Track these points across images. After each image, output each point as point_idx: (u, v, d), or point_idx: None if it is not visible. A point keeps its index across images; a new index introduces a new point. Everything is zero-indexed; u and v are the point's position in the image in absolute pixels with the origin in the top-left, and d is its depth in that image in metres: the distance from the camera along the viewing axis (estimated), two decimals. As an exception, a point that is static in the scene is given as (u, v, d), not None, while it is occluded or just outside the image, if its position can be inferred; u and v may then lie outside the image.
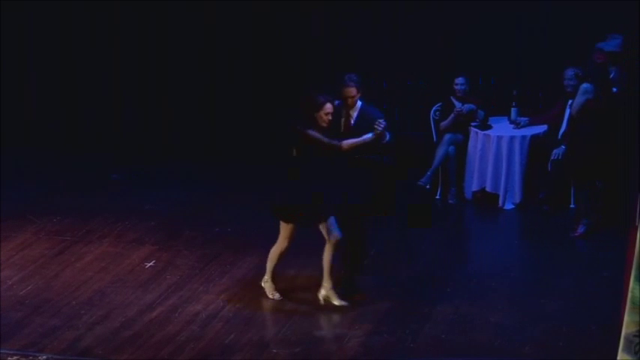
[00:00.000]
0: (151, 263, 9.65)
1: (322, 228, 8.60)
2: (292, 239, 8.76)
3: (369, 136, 8.63)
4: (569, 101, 10.53)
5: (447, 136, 11.30)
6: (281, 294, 8.87)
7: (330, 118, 8.49)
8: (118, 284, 9.23)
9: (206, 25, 12.53)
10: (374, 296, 8.89)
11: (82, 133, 13.04)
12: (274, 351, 8.05)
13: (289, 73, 12.29)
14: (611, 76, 10.54)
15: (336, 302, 8.71)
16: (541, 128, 11.14)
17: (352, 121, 8.77)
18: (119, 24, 12.77)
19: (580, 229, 10.19)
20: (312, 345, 8.14)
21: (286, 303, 8.80)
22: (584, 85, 9.92)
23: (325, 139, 8.54)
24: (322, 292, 8.74)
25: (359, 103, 8.78)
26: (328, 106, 8.50)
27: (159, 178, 12.04)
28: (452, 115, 11.30)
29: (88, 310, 8.74)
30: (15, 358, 7.99)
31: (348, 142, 8.63)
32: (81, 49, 12.93)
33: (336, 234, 8.55)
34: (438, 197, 11.37)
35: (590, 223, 10.19)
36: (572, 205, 10.73)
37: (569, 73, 10.73)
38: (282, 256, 8.86)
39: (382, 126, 8.60)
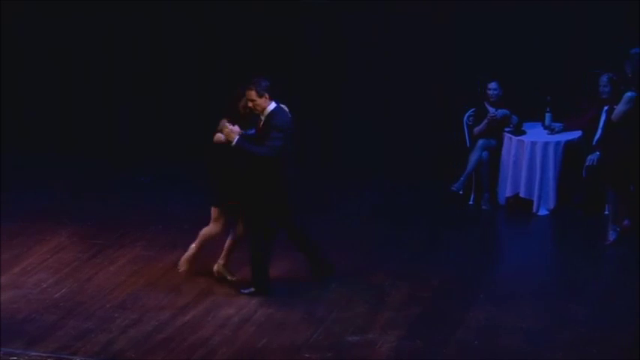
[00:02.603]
0: (184, 267, 9.67)
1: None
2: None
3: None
4: (605, 107, 10.46)
5: (480, 142, 11.26)
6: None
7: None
8: (150, 288, 9.27)
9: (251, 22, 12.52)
10: (406, 302, 8.88)
11: (112, 137, 13.07)
12: (306, 355, 8.06)
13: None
14: None
15: (229, 277, 9.28)
16: (575, 134, 11.07)
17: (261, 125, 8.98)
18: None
19: (611, 237, 10.12)
20: (344, 350, 8.14)
21: (318, 308, 8.80)
22: (629, 94, 9.85)
23: None
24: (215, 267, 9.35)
25: (271, 107, 8.90)
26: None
27: (189, 181, 12.03)
28: (485, 120, 11.25)
29: (121, 313, 8.78)
30: (49, 360, 8.06)
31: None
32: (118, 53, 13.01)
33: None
34: (471, 203, 11.32)
35: (620, 231, 10.11)
36: (606, 212, 10.63)
37: (604, 79, 10.67)
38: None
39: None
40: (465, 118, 11.54)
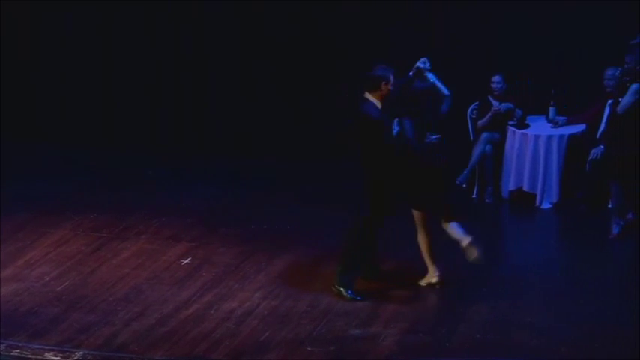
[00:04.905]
0: (187, 260, 9.69)
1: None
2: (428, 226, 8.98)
3: None
4: (609, 101, 10.43)
5: (484, 135, 11.25)
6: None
7: None
8: (154, 281, 9.27)
9: (244, 20, 12.55)
10: (410, 295, 8.88)
11: (117, 128, 13.11)
12: (309, 349, 8.06)
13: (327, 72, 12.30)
14: None
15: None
16: (579, 128, 11.07)
17: None
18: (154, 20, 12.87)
19: (614, 230, 10.12)
20: (347, 343, 8.14)
21: (322, 300, 8.80)
22: (635, 86, 9.79)
23: None
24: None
25: None
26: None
27: (195, 174, 12.08)
28: (489, 113, 11.24)
29: (124, 306, 8.78)
30: (52, 353, 8.05)
31: None
32: (116, 46, 13.04)
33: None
34: (474, 196, 11.32)
35: (624, 225, 10.11)
36: (609, 205, 10.62)
37: (609, 72, 10.64)
38: (430, 244, 9.01)
39: None
40: (469, 111, 11.53)
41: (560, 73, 11.49)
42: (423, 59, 8.89)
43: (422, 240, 9.00)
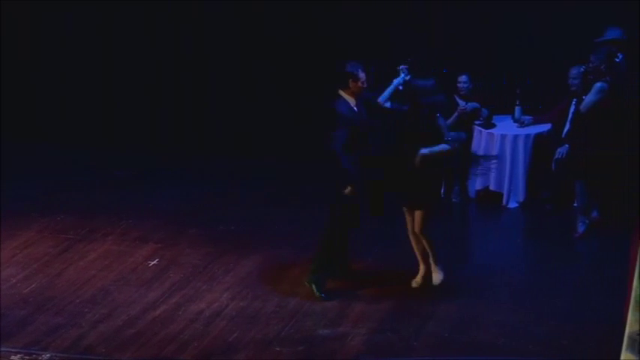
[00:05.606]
0: (154, 261, 9.66)
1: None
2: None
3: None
4: (574, 100, 10.50)
5: (450, 135, 11.27)
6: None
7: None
8: (121, 282, 9.24)
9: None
10: (377, 295, 8.89)
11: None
12: (277, 349, 8.06)
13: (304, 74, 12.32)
14: (617, 60, 10.45)
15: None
16: (545, 127, 11.13)
17: None
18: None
19: (580, 229, 10.18)
20: (316, 343, 8.14)
21: (290, 301, 8.80)
22: (599, 85, 9.84)
23: None
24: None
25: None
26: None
27: (163, 175, 12.05)
28: (455, 113, 11.28)
29: (91, 308, 8.75)
30: (18, 356, 8.01)
31: None
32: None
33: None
34: (441, 196, 11.33)
35: (589, 223, 10.18)
36: (575, 205, 10.70)
37: (574, 71, 10.70)
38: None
39: None
40: (435, 111, 11.55)
41: (526, 72, 11.55)
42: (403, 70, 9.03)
43: (417, 240, 9.06)
